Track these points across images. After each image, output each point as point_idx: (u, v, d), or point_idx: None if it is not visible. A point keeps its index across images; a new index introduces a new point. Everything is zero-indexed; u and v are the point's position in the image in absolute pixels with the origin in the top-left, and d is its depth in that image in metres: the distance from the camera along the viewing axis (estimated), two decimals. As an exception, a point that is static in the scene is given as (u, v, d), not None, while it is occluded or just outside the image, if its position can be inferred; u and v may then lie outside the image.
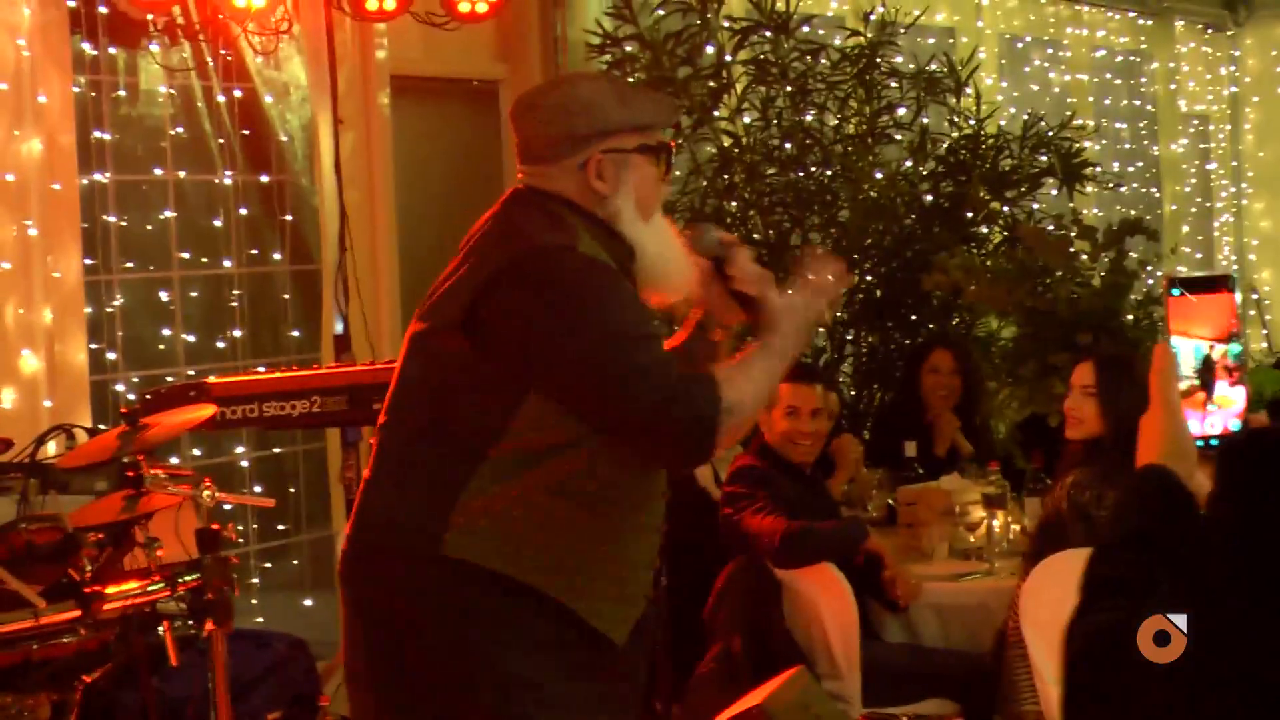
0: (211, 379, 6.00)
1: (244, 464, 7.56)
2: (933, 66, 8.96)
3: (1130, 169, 12.95)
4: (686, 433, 3.36)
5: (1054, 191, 9.03)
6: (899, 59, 8.98)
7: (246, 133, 7.57)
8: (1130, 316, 7.45)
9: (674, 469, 3.70)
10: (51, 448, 5.68)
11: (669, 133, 3.70)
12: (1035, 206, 8.88)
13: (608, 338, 3.38)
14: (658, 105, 3.69)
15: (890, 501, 6.96)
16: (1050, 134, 8.83)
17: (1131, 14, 13.06)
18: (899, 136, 8.89)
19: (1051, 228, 7.98)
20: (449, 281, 3.54)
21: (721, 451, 3.59)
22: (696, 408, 3.35)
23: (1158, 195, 13.34)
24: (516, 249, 3.46)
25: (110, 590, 4.78)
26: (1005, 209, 8.75)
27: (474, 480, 3.45)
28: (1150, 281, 8.95)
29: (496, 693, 3.44)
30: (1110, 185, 10.34)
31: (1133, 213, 10.37)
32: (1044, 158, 8.79)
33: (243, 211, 7.58)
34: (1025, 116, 9.18)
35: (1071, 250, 7.48)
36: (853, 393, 8.83)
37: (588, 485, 3.47)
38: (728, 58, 8.55)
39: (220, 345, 7.54)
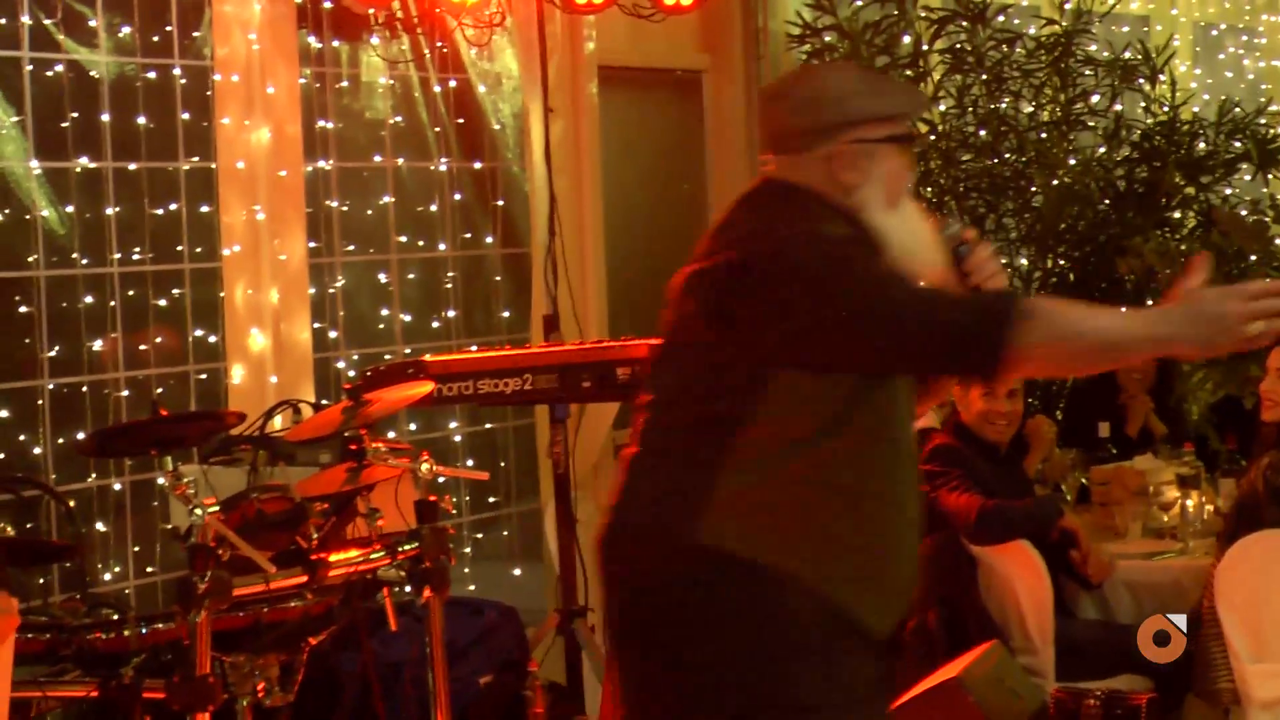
0: (429, 357, 6.07)
1: (457, 439, 7.64)
2: (1127, 54, 8.80)
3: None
4: (964, 333, 3.22)
5: (1249, 177, 8.84)
6: (1094, 47, 8.83)
7: (461, 121, 7.65)
8: (1327, 300, 7.26)
9: (970, 378, 3.49)
10: (278, 421, 5.79)
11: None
12: (1229, 191, 8.69)
13: (868, 282, 3.28)
14: (906, 95, 3.71)
15: (1084, 481, 6.86)
16: (1245, 119, 8.64)
17: (1328, -1, 12.72)
18: (1093, 123, 8.75)
19: (1246, 213, 7.83)
20: (699, 265, 3.46)
21: (1028, 369, 3.39)
22: (978, 310, 3.26)
23: (1355, 180, 12.97)
24: (764, 242, 3.36)
25: (334, 558, 4.86)
26: (1199, 194, 8.58)
27: (731, 468, 3.34)
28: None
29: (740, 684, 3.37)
30: (1307, 171, 10.10)
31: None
32: (1239, 143, 8.61)
33: (457, 197, 7.66)
34: (1220, 102, 8.99)
35: (1268, 235, 7.32)
36: (1046, 374, 8.72)
37: (847, 477, 3.35)
38: (925, 47, 8.49)
39: (435, 325, 7.62)
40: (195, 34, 6.67)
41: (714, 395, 3.39)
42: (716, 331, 3.36)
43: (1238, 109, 8.74)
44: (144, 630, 4.57)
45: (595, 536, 3.57)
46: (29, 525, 5.93)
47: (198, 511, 4.34)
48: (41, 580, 6.10)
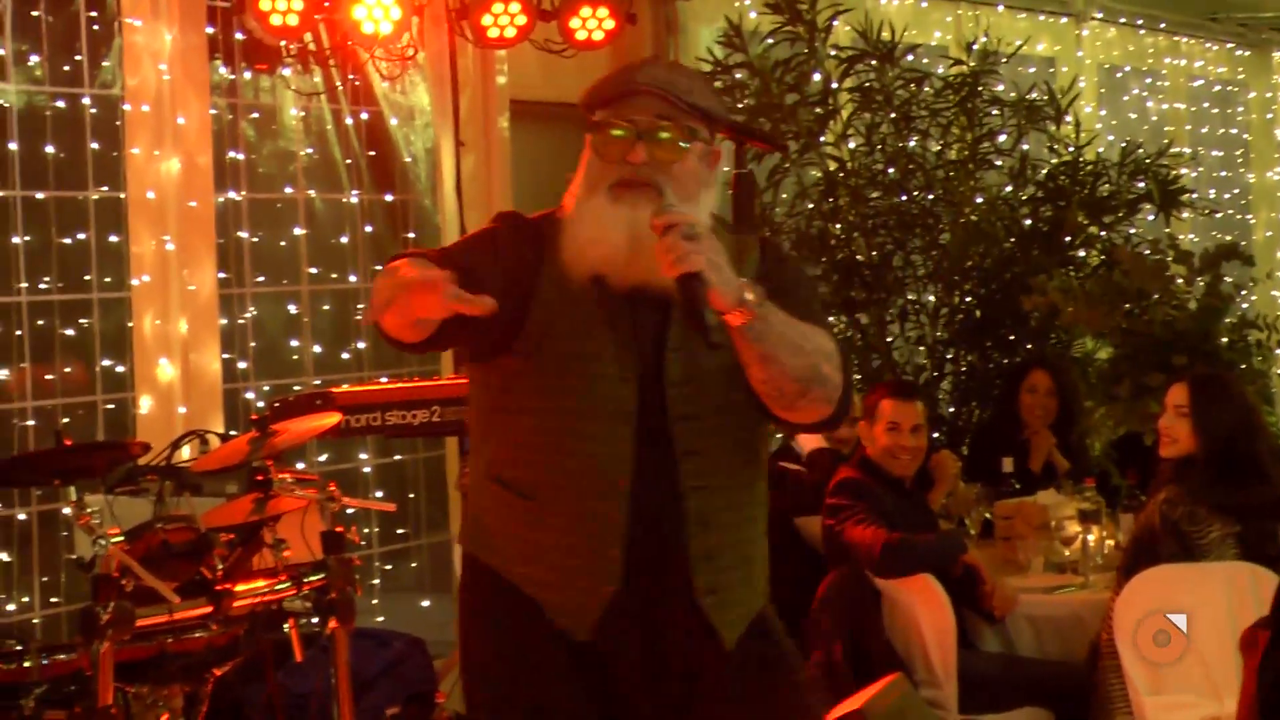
0: (338, 388, 6.05)
1: (366, 470, 7.61)
2: (1033, 95, 8.89)
3: (1225, 196, 12.79)
4: None
5: (1150, 217, 8.95)
6: (1000, 87, 8.92)
7: (372, 154, 7.65)
8: (1224, 339, 7.37)
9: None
10: (185, 452, 5.75)
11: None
12: (1131, 231, 8.79)
13: None
14: (607, 82, 3.34)
15: (987, 515, 6.92)
16: (1148, 161, 8.75)
17: (1229, 45, 12.91)
18: (999, 162, 8.82)
19: (1147, 252, 7.92)
20: None
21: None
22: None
23: (1251, 221, 13.17)
24: None
25: (240, 588, 4.83)
26: (1102, 233, 8.67)
27: (470, 472, 3.46)
28: (1244, 306, 8.87)
29: (468, 679, 3.44)
30: (1205, 211, 10.24)
31: (1227, 238, 10.26)
32: (1141, 184, 8.71)
33: (368, 229, 7.65)
34: (1123, 144, 9.10)
35: (1168, 274, 7.41)
36: (951, 410, 8.78)
37: (515, 471, 3.31)
38: (834, 85, 8.53)
39: (345, 356, 7.60)
40: (105, 63, 6.64)
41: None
42: None
43: (1140, 150, 8.84)
44: (46, 661, 4.53)
45: None
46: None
47: (102, 542, 4.31)
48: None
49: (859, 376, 8.46)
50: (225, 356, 6.89)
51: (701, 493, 3.28)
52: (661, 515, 3.26)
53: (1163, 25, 12.09)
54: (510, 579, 3.32)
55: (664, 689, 3.31)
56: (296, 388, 7.20)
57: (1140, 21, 11.90)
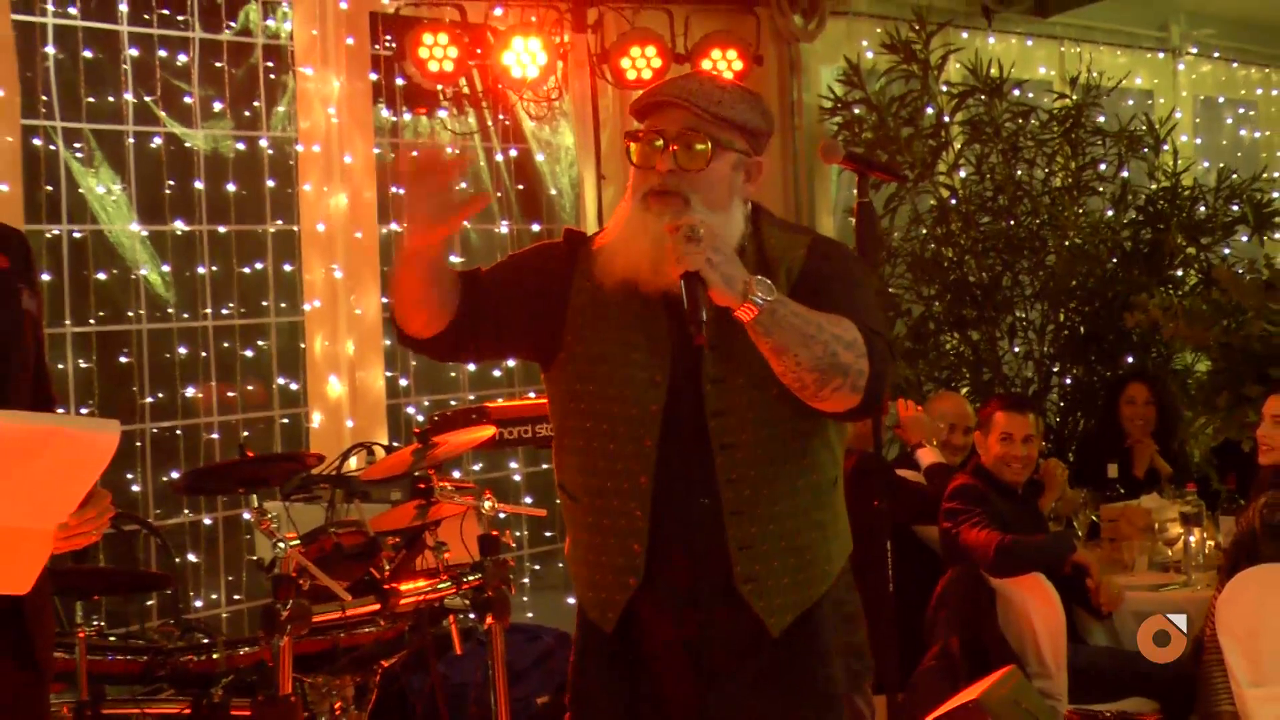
0: (492, 403, 6.09)
1: (516, 478, 7.65)
2: (1133, 126, 8.79)
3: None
4: None
5: (1244, 238, 8.81)
6: (1102, 119, 8.83)
7: (521, 188, 7.70)
8: (1320, 353, 7.24)
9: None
10: (353, 462, 5.81)
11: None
12: (1227, 252, 8.66)
13: None
14: (642, 95, 3.25)
15: (1094, 518, 6.84)
16: (1242, 186, 8.62)
17: (1318, 75, 12.69)
18: (1102, 189, 8.73)
19: (1243, 271, 7.80)
20: None
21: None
22: None
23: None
24: None
25: (405, 587, 4.87)
26: (1200, 254, 8.55)
27: None
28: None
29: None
30: (1298, 232, 10.06)
31: (1320, 258, 10.06)
32: (1236, 207, 8.58)
33: (518, 257, 7.69)
34: (1219, 170, 8.97)
35: (1269, 290, 7.29)
36: (1058, 419, 8.69)
37: (565, 475, 3.33)
38: (946, 119, 8.49)
39: (497, 374, 7.65)
40: (280, 109, 6.75)
41: None
42: None
43: (1235, 176, 8.71)
44: (231, 653, 4.60)
45: None
46: (129, 557, 5.97)
47: (281, 545, 4.37)
48: (141, 607, 6.14)
49: (969, 390, 8.40)
50: (388, 374, 6.95)
51: (737, 485, 3.17)
52: (697, 508, 3.17)
53: (1255, 59, 11.90)
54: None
55: (705, 676, 3.24)
56: (453, 403, 7.26)
57: (1234, 56, 11.71)
